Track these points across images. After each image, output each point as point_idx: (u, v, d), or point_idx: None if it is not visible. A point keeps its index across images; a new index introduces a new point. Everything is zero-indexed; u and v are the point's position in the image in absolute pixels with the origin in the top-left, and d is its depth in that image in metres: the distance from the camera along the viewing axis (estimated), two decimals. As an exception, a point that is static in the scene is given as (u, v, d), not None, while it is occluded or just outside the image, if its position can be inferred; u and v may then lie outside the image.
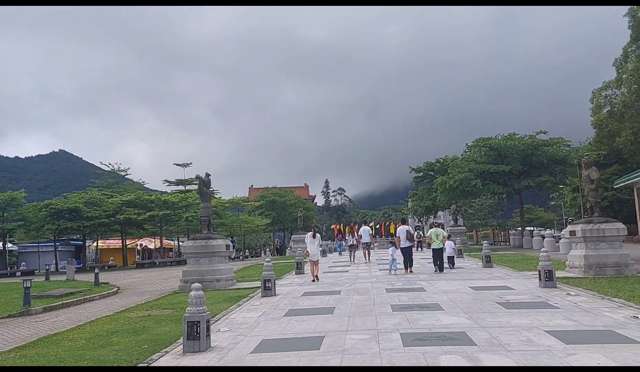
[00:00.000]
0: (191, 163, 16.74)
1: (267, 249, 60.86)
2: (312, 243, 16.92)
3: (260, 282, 13.95)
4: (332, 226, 59.46)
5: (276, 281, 16.49)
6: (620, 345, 6.58)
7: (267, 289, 13.35)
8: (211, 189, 47.53)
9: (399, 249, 18.34)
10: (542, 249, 13.12)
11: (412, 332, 7.92)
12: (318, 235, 17.57)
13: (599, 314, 8.81)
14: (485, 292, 12.13)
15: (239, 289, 15.55)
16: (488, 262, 18.88)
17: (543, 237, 28.54)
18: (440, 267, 17.83)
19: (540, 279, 12.74)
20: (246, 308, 11.56)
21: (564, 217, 61.01)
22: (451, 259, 19.47)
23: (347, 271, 19.84)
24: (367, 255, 25.32)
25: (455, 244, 21.40)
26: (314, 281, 16.15)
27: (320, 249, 18.46)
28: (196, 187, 46.24)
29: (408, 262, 17.97)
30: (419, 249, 31.53)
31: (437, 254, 18.04)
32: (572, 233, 15.73)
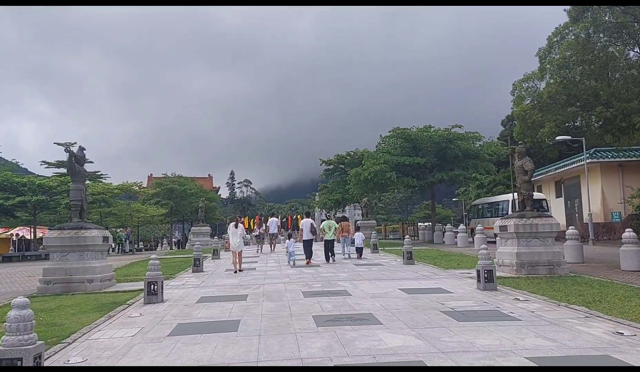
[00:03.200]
0: (75, 143, 14.02)
1: (166, 242, 56.43)
2: (234, 234, 16.61)
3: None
4: (240, 219, 56.25)
5: (168, 282, 13.65)
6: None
7: (152, 294, 10.43)
8: (99, 173, 42.79)
9: (302, 241, 18.82)
10: (482, 246, 11.48)
11: (352, 364, 5.61)
12: (240, 226, 17.33)
13: (572, 329, 7.08)
14: (421, 296, 10.19)
15: (117, 292, 12.39)
16: (409, 258, 17.23)
17: (456, 233, 27.88)
18: (332, 257, 18.73)
19: (479, 281, 11.08)
20: (119, 322, 8.61)
21: (464, 213, 62.88)
22: (360, 250, 20.22)
23: (255, 269, 17.26)
24: (273, 246, 26.10)
25: (364, 237, 21.61)
26: (235, 272, 15.81)
27: (244, 240, 18.43)
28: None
29: (308, 253, 18.36)
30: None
31: (329, 244, 18.92)
32: (503, 228, 14.41)
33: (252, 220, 51.69)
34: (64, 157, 18.24)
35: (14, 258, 31.43)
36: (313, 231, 18.85)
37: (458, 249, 24.54)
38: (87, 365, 5.95)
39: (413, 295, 10.39)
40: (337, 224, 21.02)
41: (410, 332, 7.04)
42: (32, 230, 36.65)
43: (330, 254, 18.76)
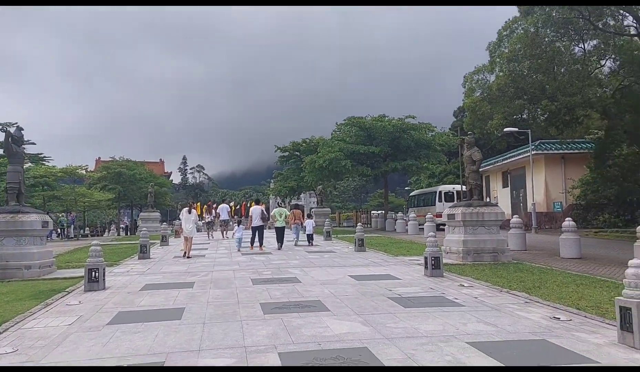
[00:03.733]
0: (16, 123, 12.98)
1: (113, 228, 54.69)
2: (187, 220, 16.75)
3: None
4: (190, 204, 55.14)
5: (111, 269, 13.23)
6: (574, 367, 4.89)
7: (93, 281, 10.03)
8: (42, 155, 40.89)
9: (251, 227, 19.18)
10: (430, 234, 11.67)
11: (296, 350, 5.55)
12: (194, 211, 17.58)
13: (513, 314, 7.28)
14: (370, 283, 10.26)
15: (56, 279, 11.85)
16: (361, 245, 17.39)
17: (407, 221, 28.34)
18: (281, 243, 19.06)
19: (426, 267, 11.27)
20: (57, 310, 8.22)
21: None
22: (310, 237, 20.77)
23: (204, 256, 16.95)
24: (224, 232, 26.46)
25: (314, 224, 22.34)
26: (186, 256, 15.93)
27: (196, 225, 18.77)
28: (25, 152, 39.07)
29: (259, 239, 18.81)
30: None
31: (280, 231, 19.34)
32: (451, 216, 14.71)
33: (204, 206, 50.90)
34: (1, 137, 17.17)
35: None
36: (263, 217, 19.14)
37: (408, 236, 24.96)
38: (16, 357, 5.63)
39: (362, 282, 10.45)
40: (290, 211, 21.68)
41: (357, 318, 7.06)
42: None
43: (280, 241, 19.13)
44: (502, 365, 4.90)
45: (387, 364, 4.98)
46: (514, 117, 22.96)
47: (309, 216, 24.10)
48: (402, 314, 7.27)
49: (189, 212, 16.97)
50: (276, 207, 21.83)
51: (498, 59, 20.10)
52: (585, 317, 6.96)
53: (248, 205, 64.47)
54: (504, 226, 16.26)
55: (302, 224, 21.48)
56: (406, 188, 69.89)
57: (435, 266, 11.13)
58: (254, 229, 18.88)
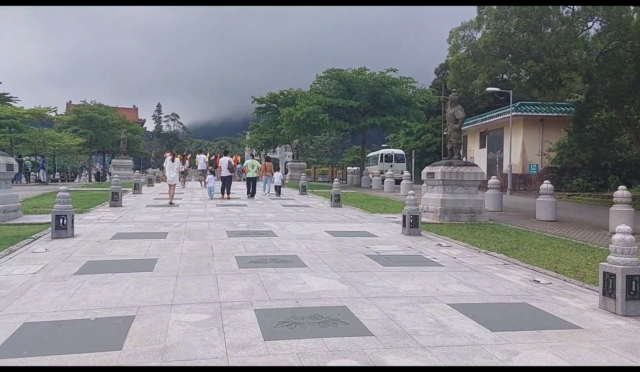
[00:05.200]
0: None
1: (85, 174, 53.43)
2: (170, 168, 17.45)
3: (53, 218, 10.05)
4: (165, 154, 54.03)
5: (81, 216, 12.79)
6: (557, 332, 4.81)
7: (61, 229, 9.62)
8: (8, 95, 39.13)
9: (220, 177, 20.25)
10: (409, 192, 11.51)
11: (272, 307, 5.35)
12: (177, 160, 18.63)
13: (492, 276, 7.22)
14: (347, 239, 10.11)
15: (22, 224, 11.37)
16: (337, 201, 17.23)
17: (383, 179, 28.25)
18: (252, 194, 20.19)
19: (404, 226, 11.17)
20: (21, 258, 7.83)
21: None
22: (278, 188, 21.92)
23: (178, 206, 16.58)
24: (202, 182, 26.64)
25: (282, 176, 24.09)
26: (170, 203, 16.60)
27: (179, 173, 20.35)
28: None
29: (226, 189, 19.71)
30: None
31: (251, 182, 20.49)
32: (430, 175, 14.59)
33: (179, 155, 49.95)
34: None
35: None
36: (230, 168, 20.35)
37: (385, 193, 24.93)
38: (-25, 306, 5.29)
39: (339, 238, 10.30)
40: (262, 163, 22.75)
41: (334, 276, 6.89)
42: None
43: (250, 191, 20.31)
44: (486, 330, 4.79)
45: (367, 325, 4.81)
46: (497, 77, 22.71)
47: (279, 169, 24.71)
48: (381, 273, 7.13)
49: (172, 160, 17.83)
50: (248, 159, 22.82)
51: (486, 16, 19.59)
52: (565, 281, 6.94)
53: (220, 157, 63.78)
54: (480, 186, 16.25)
55: (272, 175, 22.15)
56: (383, 145, 69.87)
57: (413, 224, 11.03)
58: (222, 179, 20.04)
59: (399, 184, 25.86)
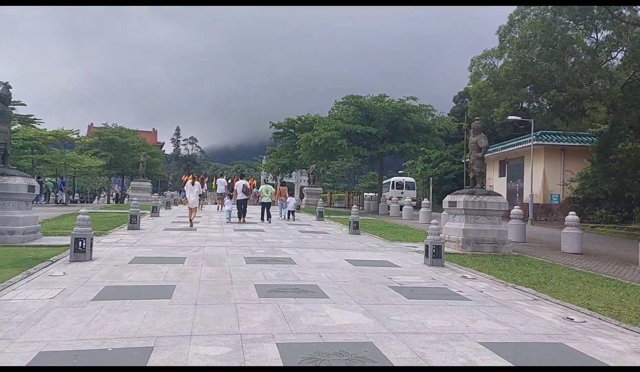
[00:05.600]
0: (7, 82, 12.24)
1: (104, 195, 53.90)
2: (191, 191, 18.01)
3: (72, 240, 9.98)
4: (184, 177, 54.38)
5: (100, 238, 12.74)
6: (601, 376, 4.51)
7: (79, 252, 9.54)
8: (33, 116, 39.84)
9: (236, 201, 20.53)
10: (432, 221, 11.26)
11: (295, 341, 5.12)
12: (197, 183, 19.10)
13: (523, 312, 6.90)
14: (368, 269, 9.86)
15: (41, 246, 11.35)
16: (356, 228, 16.99)
17: (401, 206, 27.96)
18: (266, 218, 20.43)
19: (426, 256, 10.88)
20: (39, 281, 7.73)
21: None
22: (292, 213, 22.28)
23: (195, 229, 16.49)
24: (220, 206, 26.92)
25: (296, 201, 23.99)
26: (190, 226, 16.84)
27: (199, 196, 20.61)
28: (14, 113, 37.82)
29: (242, 212, 19.99)
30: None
31: (266, 206, 20.76)
32: (452, 204, 14.32)
33: (193, 178, 50.22)
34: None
35: None
36: (246, 191, 20.62)
37: (403, 221, 24.63)
38: (-9, 332, 5.16)
39: (360, 267, 10.04)
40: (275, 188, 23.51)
41: (358, 308, 6.64)
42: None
43: (266, 215, 20.59)
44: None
45: (396, 363, 4.57)
46: (518, 106, 22.52)
47: (293, 194, 24.97)
48: (406, 306, 6.87)
49: (192, 184, 18.38)
50: (263, 184, 23.24)
51: (508, 44, 19.53)
52: (600, 319, 6.60)
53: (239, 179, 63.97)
54: (502, 216, 15.89)
55: (287, 200, 22.57)
56: (399, 171, 69.53)
57: (436, 255, 10.74)
58: (238, 202, 20.31)
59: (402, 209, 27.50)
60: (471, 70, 21.36)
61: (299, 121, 44.55)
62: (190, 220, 17.50)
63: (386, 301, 7.12)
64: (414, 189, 43.03)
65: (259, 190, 22.22)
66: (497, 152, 33.28)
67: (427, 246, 10.89)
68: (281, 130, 46.34)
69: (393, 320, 6.10)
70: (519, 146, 29.88)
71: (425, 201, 24.77)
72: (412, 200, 30.73)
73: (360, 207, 37.90)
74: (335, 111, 33.27)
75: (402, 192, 40.31)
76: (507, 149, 31.77)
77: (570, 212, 14.76)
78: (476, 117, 15.46)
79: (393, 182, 43.09)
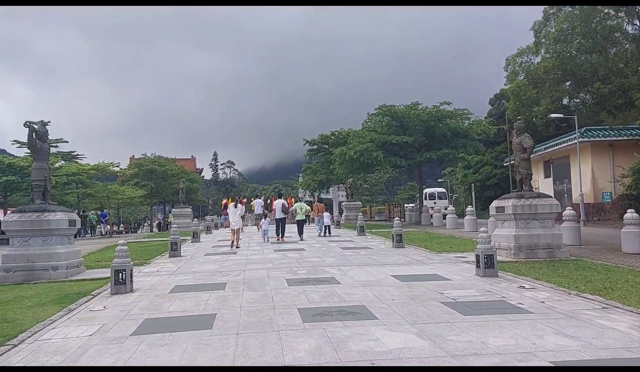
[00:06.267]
0: (49, 122, 12.68)
1: (147, 224, 55.00)
2: (233, 213, 18.44)
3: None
4: (224, 201, 54.89)
5: (141, 268, 12.67)
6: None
7: (120, 284, 9.41)
8: (75, 152, 41.14)
9: (275, 219, 21.03)
10: (481, 229, 10.64)
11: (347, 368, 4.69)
12: (240, 206, 19.61)
13: (593, 323, 6.25)
14: (416, 284, 9.33)
15: (84, 280, 11.33)
16: (399, 241, 16.42)
17: (444, 215, 27.14)
18: (300, 235, 20.51)
19: (478, 266, 10.25)
20: (79, 317, 7.58)
21: (449, 194, 62.30)
22: (328, 228, 22.44)
23: (236, 253, 16.30)
24: (259, 226, 26.85)
25: (331, 216, 24.34)
26: (234, 246, 17.49)
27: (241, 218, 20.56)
28: (57, 150, 39.12)
29: (281, 231, 20.20)
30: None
31: (300, 224, 21.12)
32: (500, 209, 13.60)
33: (235, 201, 50.60)
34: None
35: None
36: (284, 209, 20.89)
37: (447, 230, 23.83)
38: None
39: (408, 283, 9.52)
40: (312, 205, 23.97)
41: (410, 329, 6.16)
42: (4, 212, 35.06)
43: (300, 233, 20.75)
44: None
45: (459, 392, 4.07)
46: (558, 103, 21.56)
47: (328, 209, 25.44)
48: (463, 324, 6.33)
49: (235, 206, 18.83)
50: (298, 202, 23.29)
51: (544, 40, 18.76)
52: (684, 327, 5.89)
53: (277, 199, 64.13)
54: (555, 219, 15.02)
55: (322, 216, 23.03)
56: (438, 180, 68.08)
57: (488, 264, 10.11)
58: (277, 221, 20.70)
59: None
60: (507, 70, 20.66)
61: (332, 137, 44.37)
62: (233, 241, 17.89)
63: (440, 319, 6.60)
64: (446, 199, 45.02)
65: (294, 208, 22.38)
66: (540, 153, 32.02)
67: (477, 256, 10.28)
68: (315, 146, 46.28)
69: (450, 341, 5.59)
70: (564, 145, 28.61)
71: (469, 208, 23.91)
72: (445, 209, 31.60)
73: (402, 219, 37.18)
74: (369, 123, 32.84)
75: (434, 203, 41.72)
76: (551, 149, 30.50)
77: (629, 210, 13.77)
78: (518, 117, 14.75)
79: (425, 193, 45.36)
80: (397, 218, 19.09)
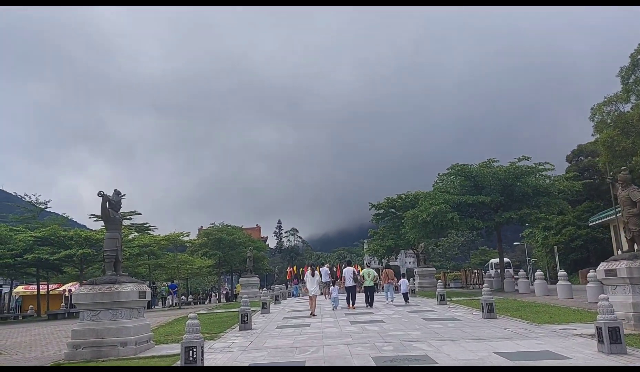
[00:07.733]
0: (124, 194, 12.97)
1: (215, 295, 54.91)
2: (311, 282, 18.82)
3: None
4: (288, 269, 54.19)
5: (211, 343, 11.84)
6: None
7: (191, 363, 8.53)
8: (147, 224, 42.16)
9: (344, 287, 21.06)
10: (601, 296, 9.04)
11: None
12: (317, 273, 19.73)
13: None
14: (531, 364, 7.81)
15: (152, 357, 10.56)
16: (490, 311, 14.71)
17: (533, 280, 24.81)
18: (370, 303, 20.15)
19: (600, 341, 8.59)
20: (146, 404, 6.71)
21: (527, 258, 58.38)
22: (405, 296, 22.02)
23: (309, 325, 15.16)
24: (325, 294, 26.46)
25: (408, 283, 23.19)
26: (312, 314, 17.74)
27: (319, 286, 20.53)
28: (131, 222, 40.29)
29: (352, 298, 20.27)
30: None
31: (369, 291, 20.57)
32: (610, 273, 11.81)
33: (300, 269, 49.77)
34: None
35: (59, 315, 30.47)
36: (355, 277, 20.86)
37: (537, 298, 21.58)
38: None
39: (519, 362, 8.03)
40: (380, 272, 23.51)
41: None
42: (80, 285, 35.91)
43: (369, 300, 20.33)
44: None
45: None
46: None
47: (403, 275, 24.18)
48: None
49: (312, 274, 19.16)
50: (365, 268, 22.79)
51: (634, 86, 17.20)
52: None
53: (343, 266, 62.73)
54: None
55: (394, 283, 22.73)
56: (514, 243, 64.27)
57: (613, 339, 8.44)
58: (347, 289, 20.74)
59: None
60: (593, 120, 19.05)
61: (399, 200, 43.20)
62: (313, 308, 18.25)
63: (585, 416, 5.16)
64: (511, 268, 44.31)
65: (361, 274, 21.98)
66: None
67: (599, 329, 8.63)
68: (382, 211, 45.18)
69: None
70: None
71: (561, 272, 21.63)
72: (512, 277, 31.16)
73: (481, 286, 34.70)
74: (440, 184, 31.48)
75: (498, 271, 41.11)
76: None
77: None
78: (622, 168, 13.14)
79: (491, 263, 46.60)
80: (486, 285, 17.38)
